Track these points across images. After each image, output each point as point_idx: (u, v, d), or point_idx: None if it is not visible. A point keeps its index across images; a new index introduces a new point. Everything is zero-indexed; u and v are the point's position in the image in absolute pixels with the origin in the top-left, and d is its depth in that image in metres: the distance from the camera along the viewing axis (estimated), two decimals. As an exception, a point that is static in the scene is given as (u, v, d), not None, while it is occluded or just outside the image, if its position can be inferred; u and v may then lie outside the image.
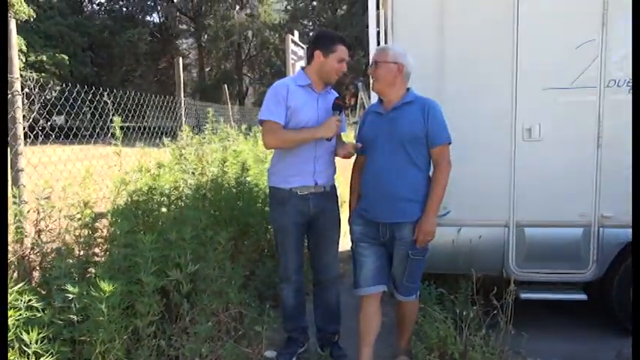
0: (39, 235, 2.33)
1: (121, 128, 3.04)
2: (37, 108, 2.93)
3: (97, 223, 2.48)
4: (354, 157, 2.77)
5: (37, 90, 3.07)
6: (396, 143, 2.50)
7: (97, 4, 31.39)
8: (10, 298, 1.63)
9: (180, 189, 3.53)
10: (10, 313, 1.59)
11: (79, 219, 2.40)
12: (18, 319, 1.60)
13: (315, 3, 31.33)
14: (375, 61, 2.56)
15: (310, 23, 32.07)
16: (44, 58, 23.32)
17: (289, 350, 2.81)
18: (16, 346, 1.57)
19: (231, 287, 2.68)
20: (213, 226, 2.97)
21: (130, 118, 3.74)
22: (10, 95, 2.22)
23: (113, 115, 3.19)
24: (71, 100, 3.56)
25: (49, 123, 3.85)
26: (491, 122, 3.23)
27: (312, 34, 27.30)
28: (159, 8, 31.45)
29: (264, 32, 31.29)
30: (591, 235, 3.21)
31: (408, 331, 2.72)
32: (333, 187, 2.85)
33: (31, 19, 22.45)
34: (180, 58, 4.31)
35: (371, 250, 2.57)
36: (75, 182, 2.55)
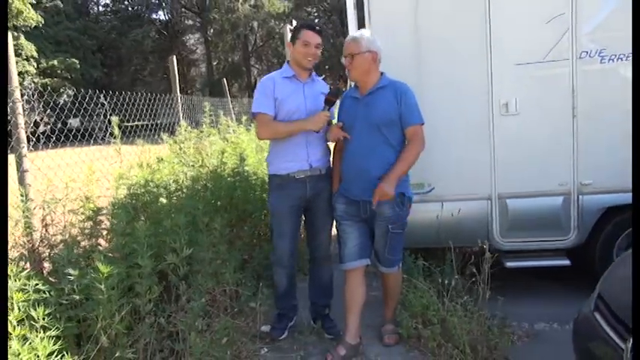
0: (46, 229, 2.57)
1: (125, 127, 3.27)
2: (54, 113, 3.14)
3: (99, 217, 2.71)
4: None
5: (50, 96, 3.28)
6: (371, 126, 2.65)
7: (103, 5, 31.80)
8: (19, 284, 1.85)
9: (180, 181, 3.74)
10: (19, 295, 1.81)
11: (82, 212, 2.62)
12: (27, 300, 1.82)
13: (318, -11, 31.21)
14: (351, 54, 2.69)
15: (314, 10, 31.96)
16: (55, 63, 23.79)
17: (281, 325, 3.02)
18: (27, 323, 1.79)
19: (227, 268, 2.89)
20: (210, 214, 3.17)
21: (134, 118, 3.97)
22: (11, 103, 2.43)
23: (117, 115, 3.40)
24: (85, 104, 3.79)
25: (66, 126, 4.09)
26: (469, 99, 3.35)
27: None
28: (164, 5, 31.70)
29: (269, 22, 31.34)
30: (571, 202, 3.33)
31: (394, 300, 2.90)
32: (329, 170, 3.00)
33: (40, 25, 22.94)
34: (174, 57, 4.48)
35: (354, 227, 2.75)
36: (78, 179, 2.77)
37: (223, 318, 2.62)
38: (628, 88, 3.13)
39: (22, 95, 2.55)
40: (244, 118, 6.28)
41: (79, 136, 3.83)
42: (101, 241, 2.73)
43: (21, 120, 2.53)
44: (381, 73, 2.73)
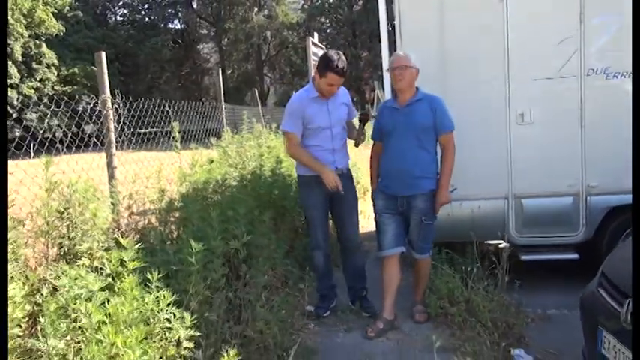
0: (130, 216, 3.03)
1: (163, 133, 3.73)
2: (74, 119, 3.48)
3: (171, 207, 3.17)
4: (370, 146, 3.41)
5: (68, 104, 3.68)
6: (410, 132, 3.12)
7: (120, 15, 32.59)
8: (131, 254, 2.29)
9: (227, 180, 4.20)
10: (133, 263, 2.25)
11: (160, 202, 3.08)
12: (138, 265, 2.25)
13: (331, 0, 31.83)
14: (404, 65, 3.14)
15: (327, 20, 32.58)
16: (76, 70, 24.45)
17: (324, 305, 3.46)
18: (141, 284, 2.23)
19: (277, 254, 3.33)
20: (259, 208, 3.62)
21: (185, 123, 4.44)
22: (105, 111, 2.90)
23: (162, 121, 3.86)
24: (125, 111, 4.26)
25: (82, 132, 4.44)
26: (489, 110, 3.79)
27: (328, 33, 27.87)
28: (179, 15, 32.47)
29: (282, 32, 32.01)
30: (580, 202, 3.74)
31: (423, 284, 3.33)
32: (349, 170, 3.49)
33: (61, 34, 23.68)
34: (220, 70, 4.96)
35: (391, 219, 3.20)
36: (152, 176, 3.24)
37: (280, 294, 3.05)
38: (630, 101, 3.57)
39: (41, 101, 3.02)
40: (274, 125, 6.75)
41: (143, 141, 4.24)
42: (172, 227, 3.19)
43: (112, 125, 2.99)
44: (417, 88, 3.19)
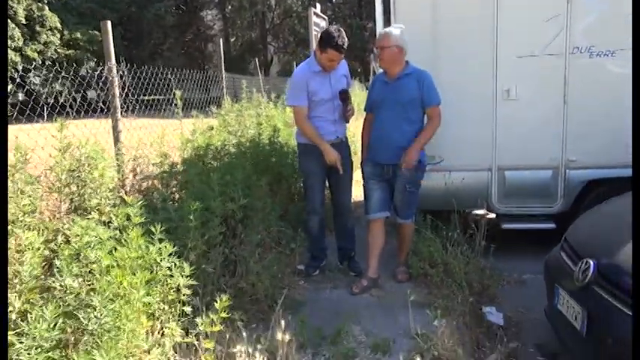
0: (134, 177, 3.26)
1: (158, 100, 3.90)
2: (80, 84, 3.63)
3: (173, 170, 3.39)
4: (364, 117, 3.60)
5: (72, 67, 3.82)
6: (398, 105, 3.30)
7: (124, -22, 32.01)
8: (137, 210, 2.52)
9: (227, 147, 4.41)
10: (137, 219, 2.49)
11: (161, 166, 3.31)
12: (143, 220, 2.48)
13: (337, -32, 31.26)
14: (382, 45, 3.30)
15: (332, -10, 32.04)
16: (78, 35, 24.33)
17: (314, 264, 3.71)
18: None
19: (272, 216, 3.58)
20: (257, 174, 3.84)
21: (188, 91, 4.62)
22: (110, 77, 3.10)
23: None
24: (129, 79, 4.44)
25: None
26: (477, 85, 3.97)
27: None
28: (183, -20, 31.91)
29: (286, 0, 31.55)
30: (559, 175, 3.96)
31: (406, 247, 3.58)
32: (347, 139, 3.67)
33: (63, -2, 23.49)
34: (223, 38, 5.10)
35: (377, 185, 3.42)
36: (155, 141, 3.45)
37: (273, 253, 3.31)
38: (612, 80, 3.74)
39: (44, 64, 3.18)
40: (273, 95, 6.91)
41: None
42: (174, 189, 3.42)
43: (117, 91, 3.19)
44: (407, 62, 3.35)
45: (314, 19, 7.47)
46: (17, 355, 1.50)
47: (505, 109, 3.95)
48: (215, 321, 2.25)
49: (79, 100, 3.21)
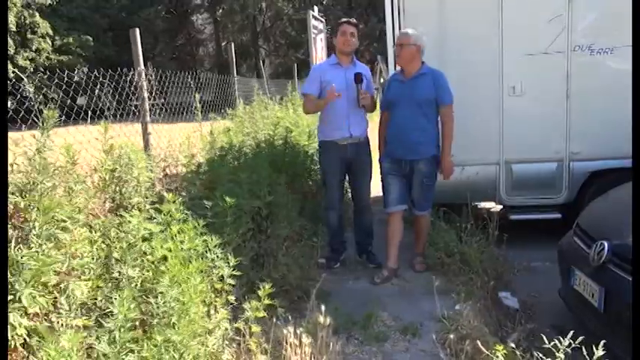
0: (165, 177, 3.40)
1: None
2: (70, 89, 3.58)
3: (200, 169, 3.55)
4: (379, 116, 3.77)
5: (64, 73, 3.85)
6: (413, 103, 3.48)
7: (113, -16, 31.96)
8: (178, 205, 2.67)
9: (244, 148, 4.56)
10: (178, 215, 2.63)
11: (189, 166, 3.46)
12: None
13: (326, -29, 31.45)
14: (400, 43, 3.49)
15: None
16: (70, 40, 24.28)
17: (334, 257, 3.88)
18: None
19: (293, 212, 3.74)
20: (276, 173, 4.00)
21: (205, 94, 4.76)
22: (141, 82, 3.24)
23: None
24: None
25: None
26: (484, 83, 4.17)
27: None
28: (173, -16, 31.91)
29: (277, 2, 31.68)
30: (563, 167, 4.17)
31: (423, 238, 3.76)
32: (367, 138, 3.82)
33: (54, 3, 23.45)
34: (232, 45, 5.26)
35: (396, 180, 3.60)
36: (182, 143, 3.60)
37: (297, 246, 3.47)
38: (612, 76, 3.96)
39: (37, 72, 3.28)
40: (278, 97, 7.07)
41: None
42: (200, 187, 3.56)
43: (145, 95, 3.33)
44: (423, 62, 3.53)
45: (312, 22, 7.64)
46: (110, 332, 1.66)
47: (511, 105, 4.15)
48: (259, 307, 2.41)
49: (75, 107, 3.26)
